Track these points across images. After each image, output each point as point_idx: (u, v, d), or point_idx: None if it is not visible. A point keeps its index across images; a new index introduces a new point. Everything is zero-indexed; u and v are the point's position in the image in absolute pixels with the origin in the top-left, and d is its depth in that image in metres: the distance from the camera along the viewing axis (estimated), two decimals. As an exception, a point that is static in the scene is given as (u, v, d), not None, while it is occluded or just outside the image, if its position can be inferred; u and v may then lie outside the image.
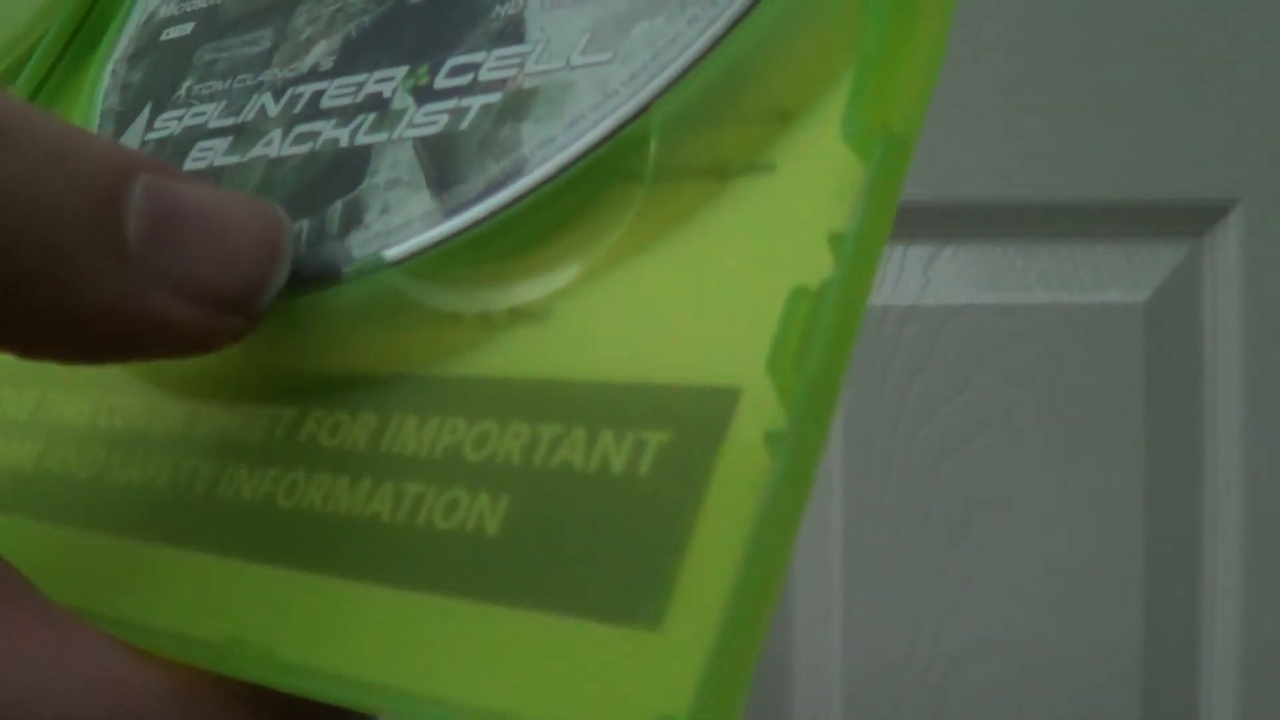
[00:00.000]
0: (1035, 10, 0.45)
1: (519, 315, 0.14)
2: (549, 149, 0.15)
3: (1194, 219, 0.46)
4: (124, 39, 0.22)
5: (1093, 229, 0.46)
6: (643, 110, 0.14)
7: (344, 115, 0.17)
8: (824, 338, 0.12)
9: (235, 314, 0.14)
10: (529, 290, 0.15)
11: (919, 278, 0.46)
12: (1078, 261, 0.46)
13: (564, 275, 0.14)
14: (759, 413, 0.12)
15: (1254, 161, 0.45)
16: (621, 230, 0.14)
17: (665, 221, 0.14)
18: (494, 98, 0.16)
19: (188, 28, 0.21)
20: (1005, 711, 0.46)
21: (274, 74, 0.19)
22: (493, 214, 0.15)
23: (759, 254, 0.13)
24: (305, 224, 0.16)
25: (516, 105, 0.16)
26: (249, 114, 0.19)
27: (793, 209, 0.13)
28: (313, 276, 0.16)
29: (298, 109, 0.18)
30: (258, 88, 0.19)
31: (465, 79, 0.16)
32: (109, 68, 0.21)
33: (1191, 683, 0.46)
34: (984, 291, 0.46)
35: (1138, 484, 0.46)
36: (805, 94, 0.14)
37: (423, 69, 0.17)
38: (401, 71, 0.17)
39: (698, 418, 0.12)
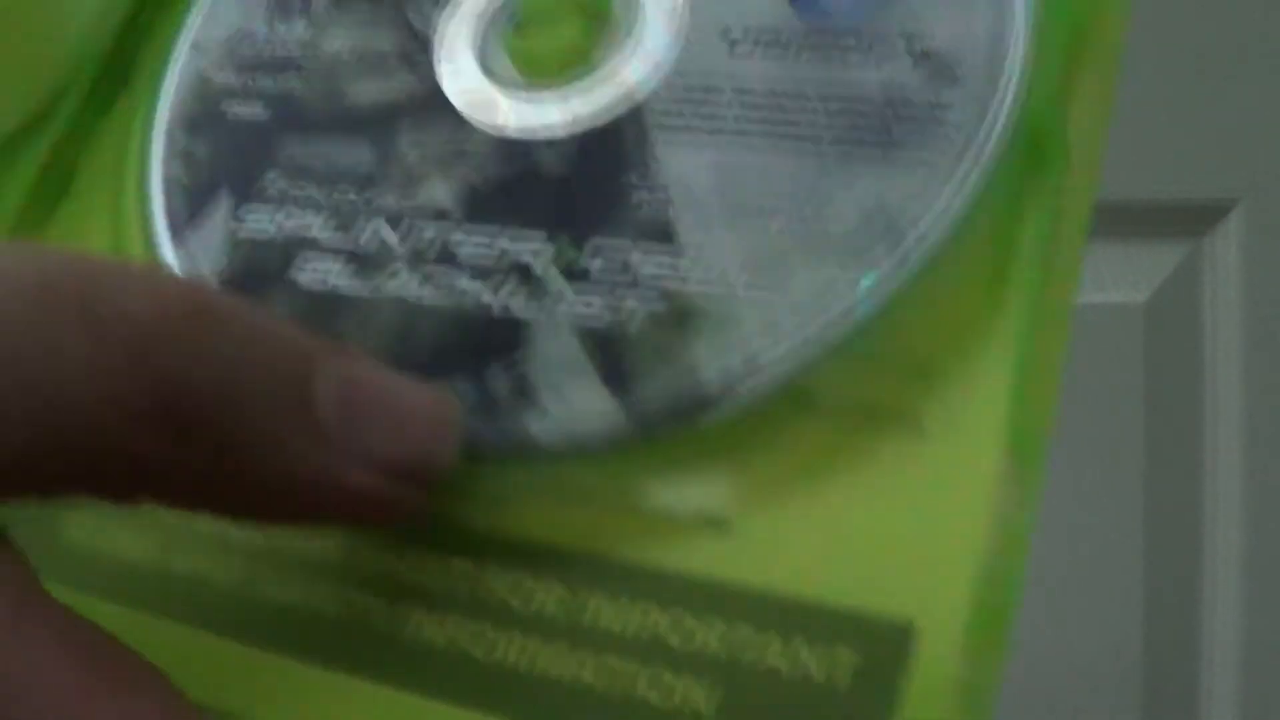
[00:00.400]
0: (1035, 10, 0.45)
1: (700, 519, 0.16)
2: (723, 372, 0.16)
3: (1194, 219, 0.46)
4: (169, 94, 0.21)
5: (1093, 229, 0.46)
6: (809, 351, 0.16)
7: (485, 275, 0.18)
8: (1006, 606, 0.14)
9: (414, 487, 0.15)
10: (709, 498, 0.16)
11: (919, 278, 0.46)
12: (1078, 261, 0.46)
13: (743, 489, 0.16)
14: (943, 653, 0.14)
15: (1254, 161, 0.45)
16: (794, 458, 0.16)
17: (832, 455, 0.16)
18: (659, 305, 0.17)
19: (258, 109, 0.21)
20: (1005, 711, 0.46)
21: (386, 200, 0.19)
22: (672, 427, 0.16)
23: (921, 499, 0.15)
24: (467, 388, 0.17)
25: (685, 320, 0.17)
26: (365, 240, 0.19)
27: (947, 462, 0.15)
28: (487, 450, 0.17)
29: (425, 250, 0.19)
30: (368, 209, 0.19)
31: (620, 271, 0.18)
32: (158, 126, 0.21)
33: (1191, 683, 0.46)
34: (984, 291, 0.46)
35: (1138, 484, 0.46)
36: (955, 353, 0.16)
37: (567, 246, 0.18)
38: (540, 238, 0.18)
39: (882, 645, 0.14)
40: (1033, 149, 0.17)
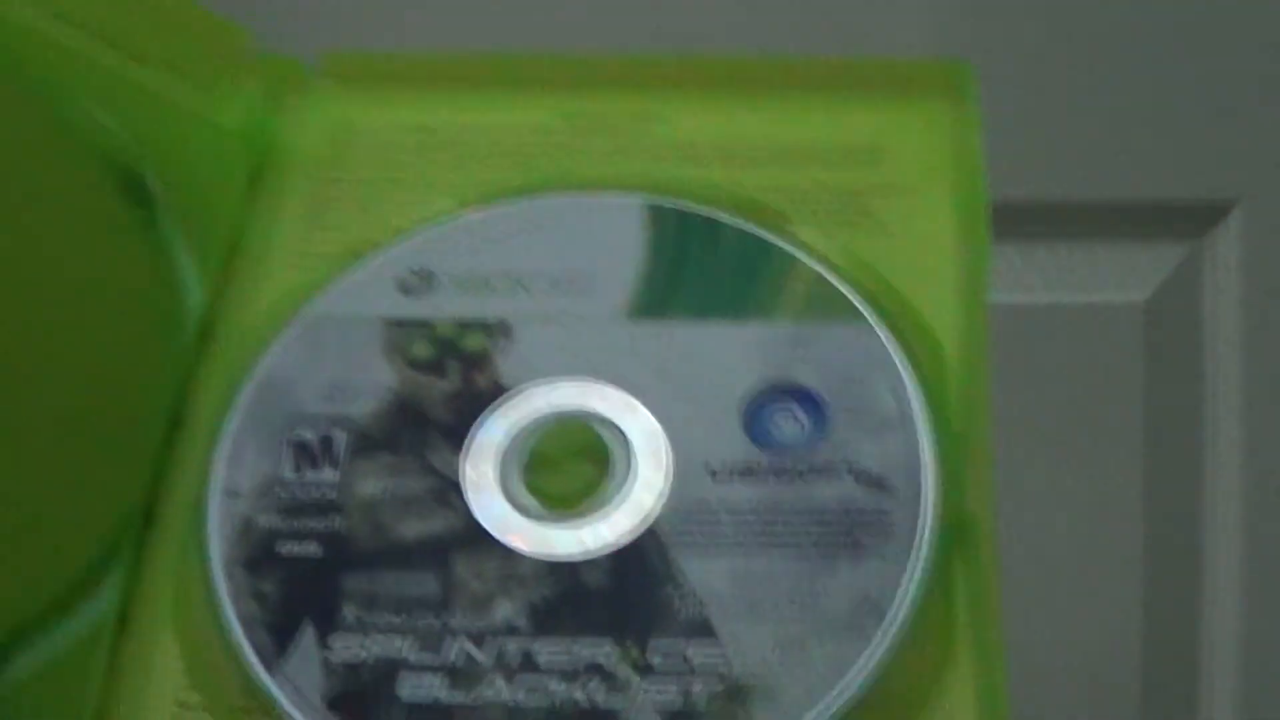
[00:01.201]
0: (1034, 10, 0.45)
1: None
2: None
3: (1194, 219, 0.46)
4: (215, 537, 0.24)
5: (1093, 229, 0.46)
6: (834, 705, 0.22)
7: (569, 676, 0.22)
8: None
9: None
10: None
11: (919, 278, 0.46)
12: (1078, 261, 0.46)
13: None
14: None
15: (1254, 161, 0.45)
16: None
17: None
18: (716, 685, 0.22)
19: (312, 548, 0.24)
20: (1005, 711, 0.46)
21: (462, 621, 0.23)
22: None
23: None
24: None
25: (740, 694, 0.22)
26: (454, 657, 0.23)
27: None
28: None
29: (511, 661, 0.22)
30: (448, 632, 0.23)
31: (677, 662, 0.22)
32: (215, 567, 0.24)
33: (1191, 683, 0.46)
34: (984, 291, 0.46)
35: (1138, 484, 0.46)
36: (930, 692, 0.22)
37: (631, 647, 0.22)
38: (609, 644, 0.22)
39: None
40: (953, 534, 0.23)
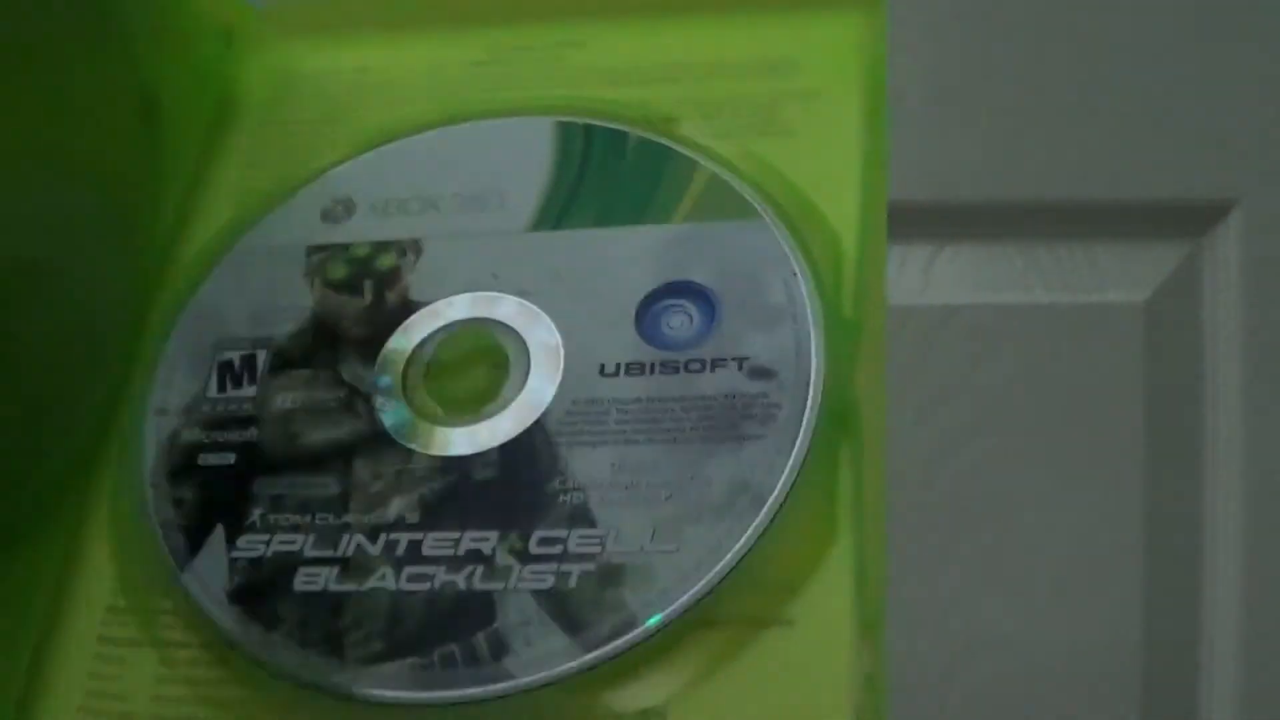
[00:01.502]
0: (1033, 10, 0.45)
1: (643, 714, 0.22)
2: (648, 609, 0.22)
3: (1194, 219, 0.46)
4: (144, 451, 0.26)
5: (1093, 229, 0.46)
6: (705, 586, 0.22)
7: (452, 564, 0.23)
8: None
9: None
10: (649, 697, 0.22)
11: (919, 278, 0.46)
12: (1078, 261, 0.46)
13: (671, 686, 0.22)
14: None
15: (1254, 161, 0.45)
16: (707, 657, 0.22)
17: (732, 651, 0.22)
18: (589, 566, 0.23)
19: (229, 457, 0.25)
20: (1005, 711, 0.46)
21: (358, 518, 0.24)
22: (618, 650, 0.22)
23: (798, 679, 0.22)
24: (455, 649, 0.23)
25: (612, 575, 0.23)
26: (348, 550, 0.24)
27: (814, 651, 0.22)
28: (476, 695, 0.22)
29: (400, 553, 0.23)
30: (345, 528, 0.24)
31: (556, 549, 0.23)
32: (144, 479, 0.25)
33: (1191, 683, 0.46)
34: (984, 291, 0.46)
35: (1138, 484, 0.46)
36: (808, 571, 0.22)
37: (514, 536, 0.23)
38: (493, 535, 0.23)
39: None
40: (837, 420, 0.23)
